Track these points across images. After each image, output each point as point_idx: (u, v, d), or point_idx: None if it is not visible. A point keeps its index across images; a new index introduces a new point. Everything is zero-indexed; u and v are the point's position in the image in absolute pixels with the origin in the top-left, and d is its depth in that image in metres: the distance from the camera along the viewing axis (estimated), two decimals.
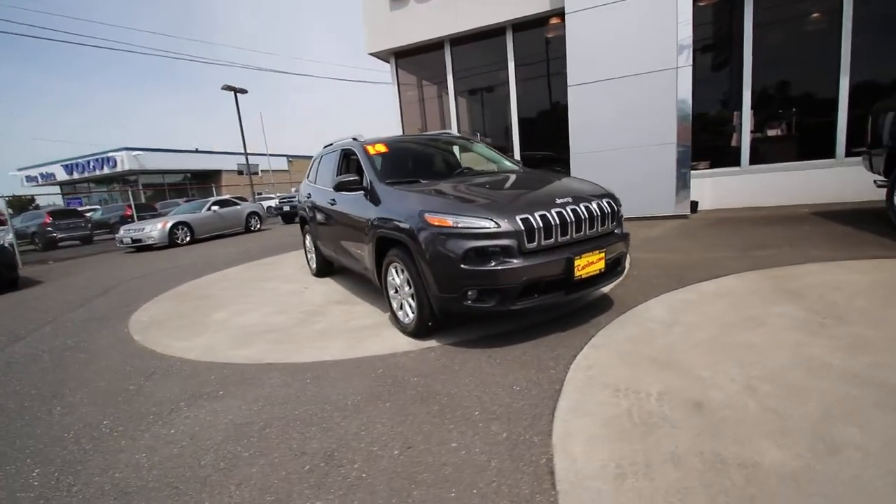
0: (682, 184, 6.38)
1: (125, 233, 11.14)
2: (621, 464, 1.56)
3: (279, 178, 34.53)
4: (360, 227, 3.53)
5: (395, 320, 3.23)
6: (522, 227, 2.52)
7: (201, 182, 31.62)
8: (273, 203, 18.62)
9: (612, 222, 2.95)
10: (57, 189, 33.03)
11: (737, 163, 6.87)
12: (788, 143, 6.74)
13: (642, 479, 1.48)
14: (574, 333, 2.78)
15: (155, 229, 10.91)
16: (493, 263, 2.50)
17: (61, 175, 32.19)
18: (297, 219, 5.70)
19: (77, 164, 31.56)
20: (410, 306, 3.00)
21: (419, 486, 1.59)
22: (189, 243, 11.45)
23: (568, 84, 6.85)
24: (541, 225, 2.56)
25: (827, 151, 6.44)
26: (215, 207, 12.70)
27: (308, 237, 5.28)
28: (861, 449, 1.50)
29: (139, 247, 11.03)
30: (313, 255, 5.26)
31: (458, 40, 8.33)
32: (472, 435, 1.86)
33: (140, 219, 13.39)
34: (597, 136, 6.70)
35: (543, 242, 2.59)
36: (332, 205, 4.11)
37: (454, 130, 8.43)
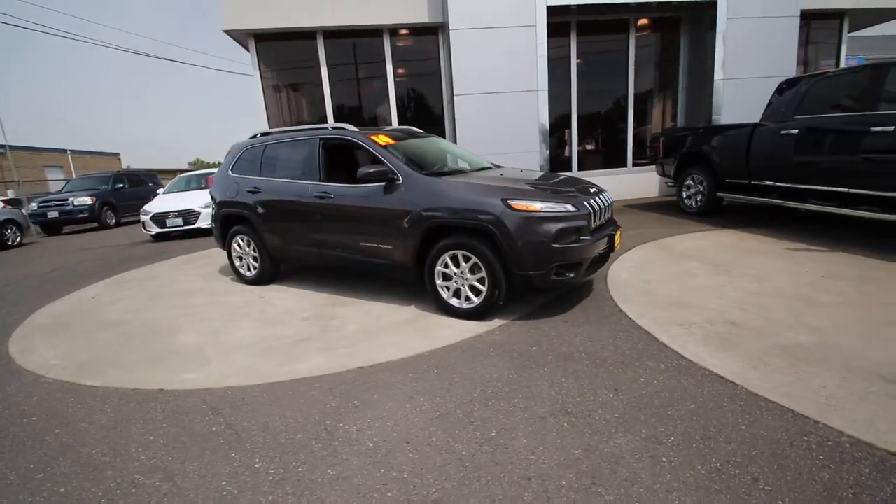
0: None
1: None
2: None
3: None
4: (385, 219, 3.47)
5: (445, 308, 3.37)
6: (590, 210, 3.14)
7: None
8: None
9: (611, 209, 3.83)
10: None
11: (569, 168, 8.93)
12: (598, 155, 9.16)
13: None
14: (586, 306, 3.55)
15: None
16: (575, 242, 3.04)
17: None
18: (214, 220, 4.74)
19: None
20: (474, 290, 3.22)
21: (655, 406, 2.07)
22: None
23: (454, 94, 7.61)
24: (596, 209, 3.23)
25: (622, 161, 9.06)
26: None
27: (241, 239, 4.52)
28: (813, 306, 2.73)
29: None
30: (250, 260, 4.55)
31: (333, 34, 8.06)
32: (630, 363, 2.41)
33: None
34: (480, 141, 7.68)
35: (595, 223, 3.26)
36: (323, 199, 3.79)
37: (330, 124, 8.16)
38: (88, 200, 11.32)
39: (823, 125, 4.75)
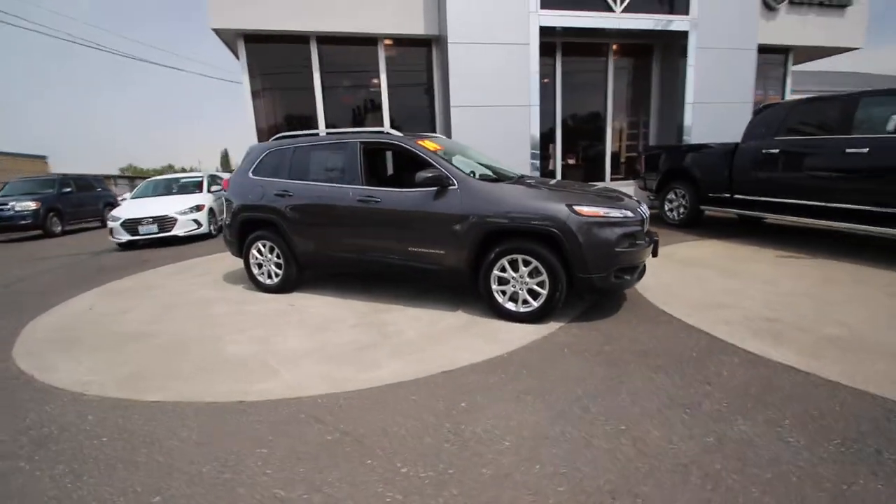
0: None
1: None
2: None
3: None
4: (439, 224, 3.47)
5: (500, 312, 3.41)
6: (643, 217, 3.33)
7: None
8: None
9: None
10: None
11: None
12: (580, 170, 9.61)
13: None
14: (628, 309, 3.75)
15: None
16: (632, 246, 3.20)
17: None
18: (228, 226, 4.49)
19: None
20: (532, 293, 3.30)
21: (753, 395, 2.24)
22: None
23: (451, 105, 7.73)
24: (645, 216, 3.43)
25: (600, 176, 9.57)
26: None
27: (262, 245, 4.31)
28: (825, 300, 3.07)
29: None
30: (271, 267, 4.35)
31: (326, 39, 7.93)
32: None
33: None
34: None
35: (645, 229, 3.46)
36: (367, 203, 3.73)
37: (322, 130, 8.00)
38: (32, 206, 10.22)
39: (802, 146, 5.33)
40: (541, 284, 3.26)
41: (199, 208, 8.04)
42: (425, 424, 2.11)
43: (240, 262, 4.60)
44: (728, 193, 6.30)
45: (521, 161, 8.09)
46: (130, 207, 7.96)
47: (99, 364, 2.97)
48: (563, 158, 9.43)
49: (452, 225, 3.43)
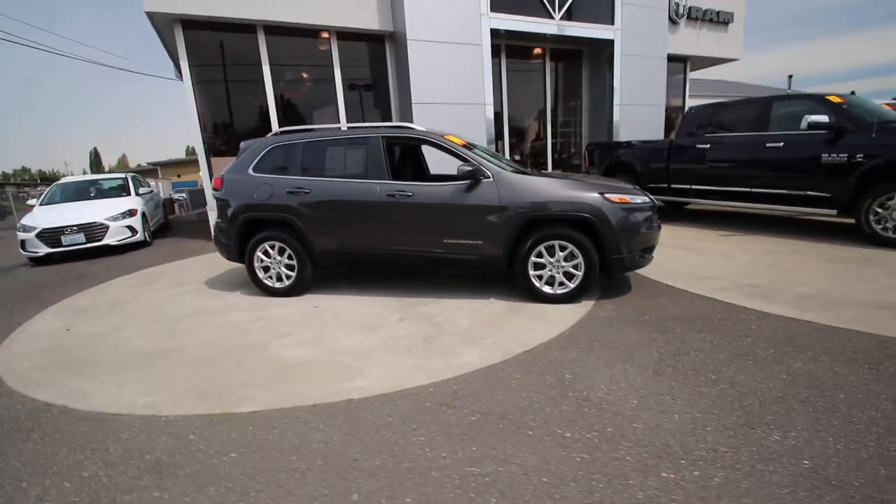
0: None
1: None
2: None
3: None
4: (477, 215, 3.61)
5: (536, 295, 3.66)
6: (655, 203, 3.79)
7: None
8: None
9: None
10: None
11: None
12: (525, 165, 10.22)
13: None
14: (640, 286, 4.25)
15: None
16: (651, 228, 3.65)
17: None
18: (224, 229, 4.14)
19: None
20: (567, 275, 3.60)
21: (790, 341, 2.78)
22: None
23: (413, 102, 7.77)
24: (655, 202, 3.90)
25: (543, 170, 10.28)
26: None
27: (270, 247, 4.06)
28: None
29: None
30: (281, 269, 4.11)
31: (275, 29, 7.46)
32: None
33: None
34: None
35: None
36: (396, 197, 3.72)
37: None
38: None
39: (730, 141, 6.34)
40: (576, 267, 3.57)
41: (131, 213, 7.11)
42: (551, 396, 2.28)
43: (216, 268, 4.31)
44: (666, 184, 7.24)
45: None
46: (45, 215, 6.77)
47: (143, 384, 2.64)
48: (510, 155, 9.96)
49: (490, 215, 3.59)
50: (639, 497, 1.58)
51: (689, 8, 10.86)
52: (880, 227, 4.85)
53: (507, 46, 9.37)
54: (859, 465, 1.68)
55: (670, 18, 10.56)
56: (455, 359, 2.77)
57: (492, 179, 3.62)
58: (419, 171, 4.99)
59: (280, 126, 7.67)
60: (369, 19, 7.79)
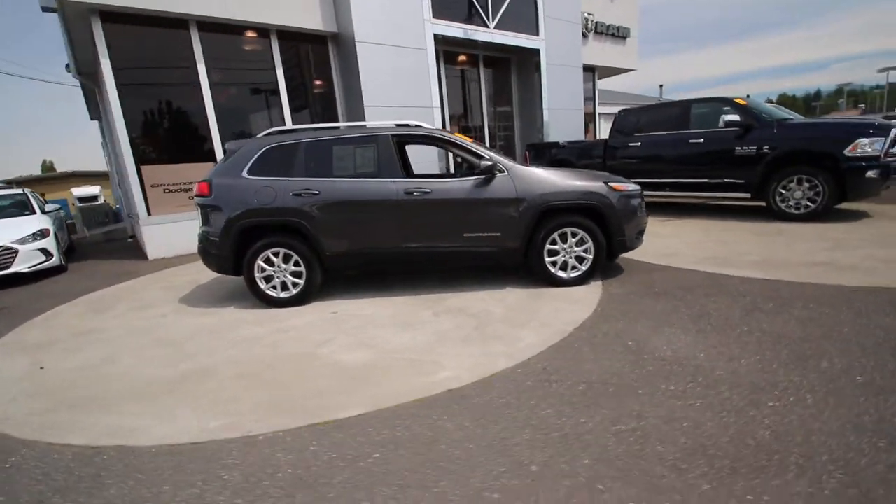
0: None
1: None
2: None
3: None
4: (496, 208, 3.77)
5: (551, 280, 3.91)
6: (642, 190, 4.26)
7: None
8: None
9: None
10: None
11: None
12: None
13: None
14: (630, 267, 4.74)
15: None
16: (642, 212, 4.10)
17: None
18: (216, 239, 3.75)
19: None
20: (580, 259, 3.91)
21: (785, 294, 3.36)
22: None
23: (364, 105, 7.65)
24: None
25: None
26: None
27: (273, 254, 3.79)
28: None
29: None
30: (286, 278, 3.86)
31: (210, 26, 6.83)
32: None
33: None
34: None
35: None
36: (413, 195, 3.72)
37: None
38: None
39: (658, 139, 7.26)
40: (586, 251, 3.89)
41: (43, 234, 6.01)
42: (630, 361, 2.52)
43: (177, 287, 4.03)
44: None
45: (430, 160, 8.53)
46: None
47: (197, 410, 2.35)
48: (455, 156, 10.23)
49: (508, 207, 3.76)
50: (766, 423, 1.87)
51: (596, 23, 12.14)
52: (784, 205, 5.95)
53: (444, 52, 9.63)
54: (882, 365, 2.15)
55: (583, 32, 11.71)
56: (517, 342, 2.89)
57: (507, 173, 3.80)
58: (407, 168, 4.99)
59: (219, 130, 7.08)
60: (313, 19, 7.53)
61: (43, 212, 6.63)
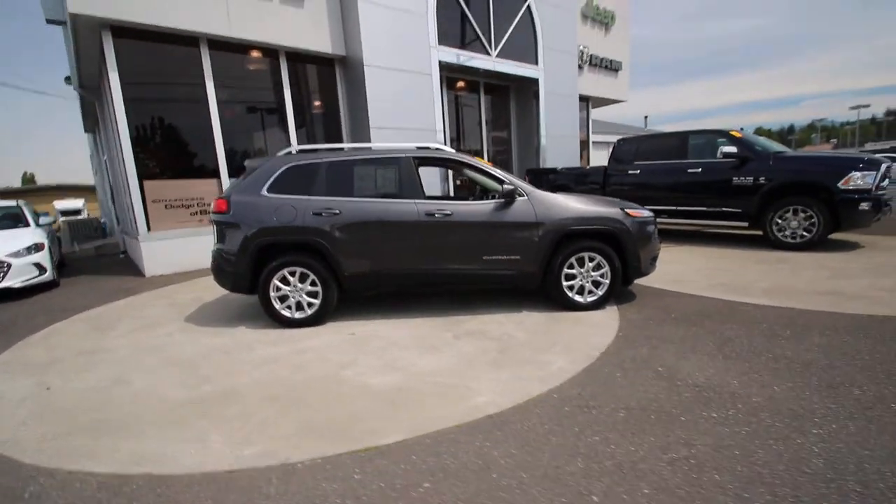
0: None
1: None
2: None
3: None
4: (516, 232, 3.80)
5: (568, 304, 3.93)
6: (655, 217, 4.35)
7: None
8: None
9: None
10: None
11: None
12: (465, 188, 10.67)
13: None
14: (641, 292, 4.80)
15: None
16: (656, 238, 4.18)
17: None
18: (229, 257, 3.69)
19: None
20: (596, 284, 3.94)
21: (801, 321, 3.43)
22: None
23: (371, 126, 7.72)
24: None
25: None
26: None
27: (289, 273, 3.73)
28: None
29: None
30: (302, 297, 3.80)
31: (221, 45, 6.87)
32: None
33: None
34: None
35: None
36: (435, 216, 3.74)
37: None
38: None
39: (657, 168, 7.47)
40: (602, 276, 3.93)
41: (38, 248, 5.82)
42: (664, 387, 2.52)
43: (180, 305, 3.97)
44: None
45: (432, 181, 8.62)
46: None
47: (225, 435, 2.25)
48: (452, 179, 10.34)
49: (528, 231, 3.80)
50: (815, 451, 1.87)
51: (591, 56, 12.58)
52: (781, 234, 6.14)
53: (446, 78, 9.85)
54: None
55: (578, 64, 12.12)
56: (547, 366, 2.87)
57: (527, 198, 3.85)
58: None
59: (224, 148, 7.04)
60: (322, 42, 7.64)
61: (37, 224, 6.45)
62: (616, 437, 2.06)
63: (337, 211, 3.72)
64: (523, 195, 3.85)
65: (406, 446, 2.08)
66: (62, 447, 2.25)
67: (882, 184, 5.74)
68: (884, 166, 5.72)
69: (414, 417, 2.34)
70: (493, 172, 3.94)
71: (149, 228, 6.53)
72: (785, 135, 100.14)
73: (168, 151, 6.79)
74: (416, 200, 3.79)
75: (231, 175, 7.11)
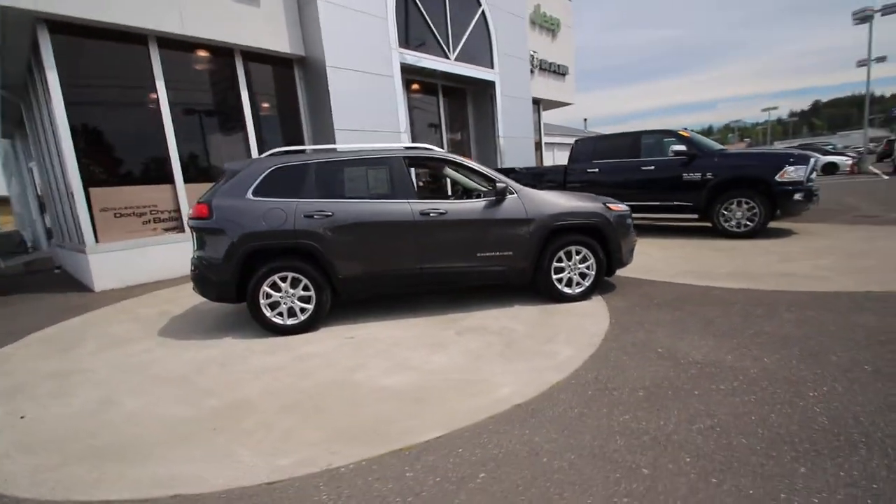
0: None
1: None
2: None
3: None
4: (509, 228, 3.90)
5: (557, 296, 4.08)
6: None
7: None
8: None
9: None
10: None
11: None
12: (428, 189, 10.70)
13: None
14: (620, 282, 5.06)
15: None
16: (634, 231, 4.44)
17: None
18: (217, 263, 3.48)
19: None
20: (583, 275, 4.13)
21: (774, 300, 3.78)
22: None
23: (335, 128, 7.55)
24: None
25: (445, 194, 10.91)
26: None
27: (280, 279, 3.59)
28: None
29: None
30: (293, 303, 3.66)
31: (171, 43, 6.43)
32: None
33: None
34: None
35: None
36: (430, 216, 3.75)
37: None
38: None
39: (614, 166, 7.91)
40: (588, 268, 4.12)
41: None
42: (670, 366, 2.70)
43: (146, 318, 3.89)
44: None
45: None
46: None
47: (251, 448, 2.14)
48: (418, 180, 10.34)
49: (520, 227, 3.91)
50: (818, 410, 2.10)
51: (541, 61, 13.07)
52: (728, 224, 6.71)
53: (406, 80, 9.84)
54: (879, 356, 2.51)
55: (530, 69, 12.55)
56: (555, 356, 2.97)
57: (517, 195, 3.96)
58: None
59: (178, 151, 6.62)
60: (279, 42, 7.39)
61: None
62: (644, 415, 2.19)
63: (329, 213, 3.63)
64: (514, 193, 3.96)
65: (448, 441, 2.09)
66: (62, 478, 2.04)
67: (811, 176, 6.45)
68: (812, 160, 6.43)
69: (443, 413, 2.35)
70: (483, 171, 4.02)
71: (97, 239, 5.98)
72: (705, 135, 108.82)
73: (116, 156, 6.26)
74: (410, 200, 3.78)
75: (187, 181, 6.69)
